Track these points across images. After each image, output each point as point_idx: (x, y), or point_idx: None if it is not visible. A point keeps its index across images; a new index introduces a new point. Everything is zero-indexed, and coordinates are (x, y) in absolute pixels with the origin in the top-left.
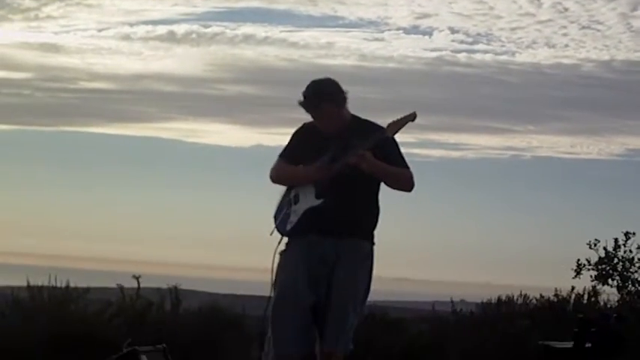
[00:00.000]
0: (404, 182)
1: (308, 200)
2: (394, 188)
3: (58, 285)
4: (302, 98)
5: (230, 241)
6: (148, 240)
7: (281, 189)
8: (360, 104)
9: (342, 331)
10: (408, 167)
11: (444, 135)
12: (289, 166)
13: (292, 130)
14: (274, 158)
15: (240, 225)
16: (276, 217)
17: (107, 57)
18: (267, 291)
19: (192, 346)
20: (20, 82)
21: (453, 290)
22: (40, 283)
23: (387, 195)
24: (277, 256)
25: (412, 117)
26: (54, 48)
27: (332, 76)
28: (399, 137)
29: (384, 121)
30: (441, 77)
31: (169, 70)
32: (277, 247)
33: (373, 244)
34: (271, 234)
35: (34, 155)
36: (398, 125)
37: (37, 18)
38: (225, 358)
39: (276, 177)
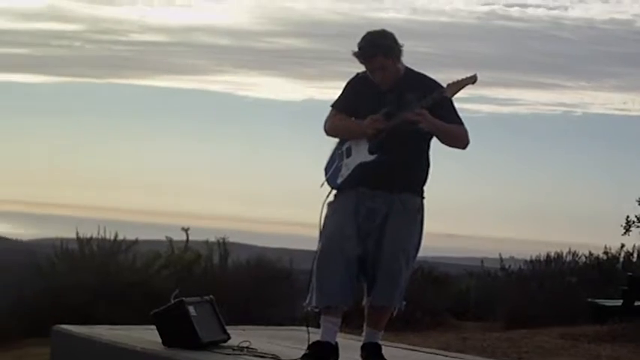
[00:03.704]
0: (459, 140)
1: (360, 155)
2: (449, 146)
3: (107, 237)
4: (357, 49)
5: (279, 195)
6: (198, 193)
7: (333, 142)
8: (411, 58)
9: (395, 287)
10: (462, 124)
11: (495, 90)
12: (343, 118)
13: (343, 84)
14: (325, 112)
15: (289, 179)
16: (327, 170)
17: (158, 9)
18: (315, 245)
19: (239, 298)
20: (71, 33)
21: (501, 247)
22: (89, 235)
23: (436, 150)
24: (325, 208)
25: (473, 79)
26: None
27: (376, 28)
28: None
29: (436, 77)
30: (493, 32)
31: (221, 22)
32: (326, 199)
33: (423, 198)
34: (321, 186)
35: (85, 107)
36: (458, 86)
37: None
38: (272, 310)
39: (329, 129)
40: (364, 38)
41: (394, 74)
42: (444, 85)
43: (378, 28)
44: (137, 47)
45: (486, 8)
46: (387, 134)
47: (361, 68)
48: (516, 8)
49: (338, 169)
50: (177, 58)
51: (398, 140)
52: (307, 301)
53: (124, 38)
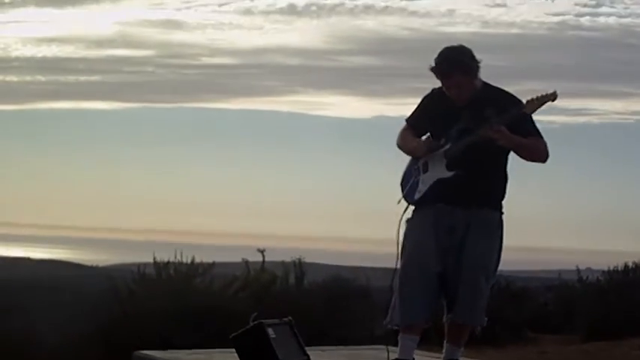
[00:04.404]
0: (539, 154)
1: (438, 170)
2: (529, 160)
3: (184, 260)
4: (433, 64)
5: (353, 213)
6: (272, 213)
7: (405, 157)
8: (483, 71)
9: (476, 303)
10: (541, 137)
11: (568, 101)
12: (408, 135)
13: (414, 100)
14: (396, 129)
15: (363, 197)
16: (403, 186)
17: (228, 32)
18: (390, 262)
19: (317, 318)
20: (142, 59)
21: (579, 258)
22: (166, 259)
23: (510, 162)
24: (403, 225)
25: (553, 96)
26: (175, 24)
27: (454, 44)
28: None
29: (509, 90)
30: (564, 42)
31: (290, 43)
32: (403, 215)
33: (502, 213)
34: (399, 202)
35: (158, 132)
36: (538, 103)
37: None
38: (350, 329)
39: (397, 142)
40: (441, 54)
41: (470, 91)
42: (523, 99)
43: (447, 44)
44: (208, 70)
45: (557, 19)
46: (465, 150)
47: (432, 83)
48: (587, 17)
49: (415, 185)
50: (248, 80)
51: (476, 156)
52: (388, 319)
53: (194, 62)
